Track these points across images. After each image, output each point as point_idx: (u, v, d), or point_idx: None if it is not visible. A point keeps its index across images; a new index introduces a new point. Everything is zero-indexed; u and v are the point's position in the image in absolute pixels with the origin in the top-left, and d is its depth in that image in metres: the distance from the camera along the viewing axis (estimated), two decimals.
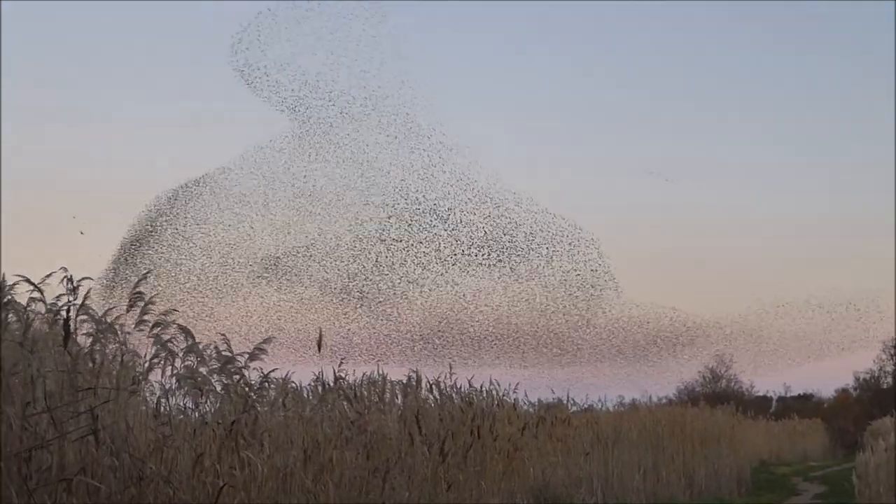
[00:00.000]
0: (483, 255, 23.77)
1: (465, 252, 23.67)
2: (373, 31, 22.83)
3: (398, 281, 23.56)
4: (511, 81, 45.56)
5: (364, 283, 23.35)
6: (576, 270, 25.14)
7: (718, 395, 41.24)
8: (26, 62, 33.72)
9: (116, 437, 6.18)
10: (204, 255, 22.49)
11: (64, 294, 6.57)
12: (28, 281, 6.54)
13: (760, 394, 52.57)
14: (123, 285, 21.29)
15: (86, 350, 6.61)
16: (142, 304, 7.23)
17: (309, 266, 23.00)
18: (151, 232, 22.14)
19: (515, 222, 23.91)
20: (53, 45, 38.24)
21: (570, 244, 24.80)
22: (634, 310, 26.87)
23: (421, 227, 23.42)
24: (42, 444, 5.81)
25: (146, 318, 7.30)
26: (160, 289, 21.77)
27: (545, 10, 45.67)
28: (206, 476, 6.75)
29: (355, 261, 23.24)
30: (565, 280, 25.12)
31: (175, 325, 7.56)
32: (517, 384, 14.43)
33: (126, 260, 21.98)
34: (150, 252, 22.15)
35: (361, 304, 23.33)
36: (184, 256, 22.46)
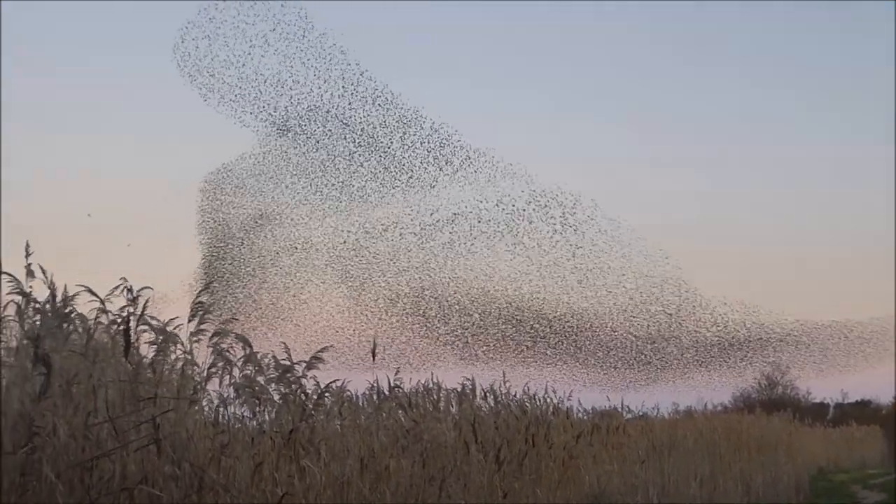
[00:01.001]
0: (555, 259, 23.58)
1: (537, 255, 23.49)
2: (305, 32, 22.58)
3: (467, 289, 23.44)
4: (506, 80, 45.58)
5: (432, 289, 23.27)
6: (653, 283, 24.75)
7: (775, 401, 40.78)
8: (27, 62, 34.16)
9: (177, 445, 6.23)
10: (285, 255, 22.52)
11: (125, 305, 6.66)
12: (90, 291, 6.62)
13: (817, 400, 52.00)
14: (216, 292, 21.48)
15: (147, 360, 6.67)
16: (202, 313, 7.29)
17: (380, 271, 22.94)
18: (247, 231, 22.15)
19: (583, 230, 23.58)
20: (52, 46, 38.72)
21: (645, 257, 24.41)
22: (720, 308, 26.35)
23: (487, 228, 23.27)
24: (104, 454, 5.87)
25: (204, 327, 7.36)
26: (247, 292, 21.91)
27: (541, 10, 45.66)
28: (265, 485, 6.78)
29: (424, 268, 23.15)
30: (641, 294, 24.76)
31: (233, 334, 7.62)
32: (570, 391, 14.44)
33: (213, 266, 22.07)
34: (236, 256, 22.20)
35: (430, 311, 23.25)
36: (265, 259, 22.49)
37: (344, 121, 22.29)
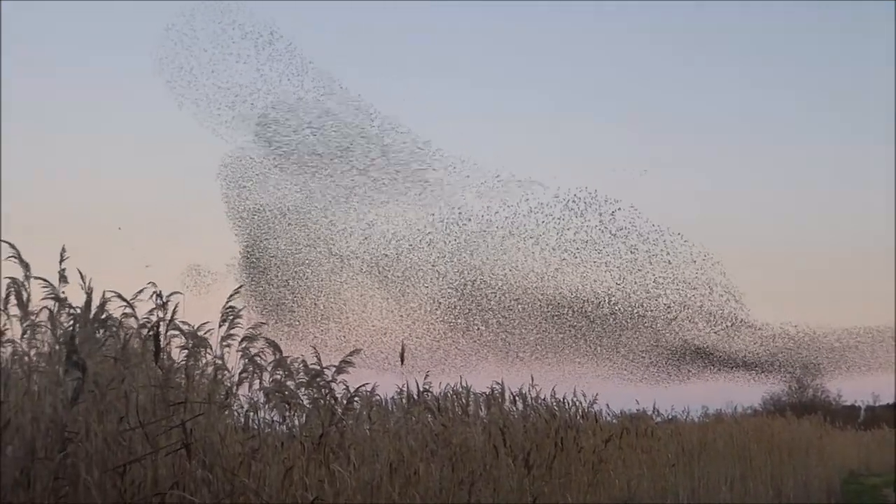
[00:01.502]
0: (593, 264, 23.42)
1: (574, 259, 23.34)
2: (272, 42, 22.42)
3: (507, 288, 23.32)
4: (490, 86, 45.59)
5: (471, 293, 23.18)
6: (698, 291, 24.49)
7: (805, 404, 40.54)
8: (27, 62, 34.26)
9: (209, 450, 6.26)
10: (325, 260, 22.48)
11: (154, 308, 6.71)
12: (120, 297, 6.66)
13: (848, 403, 51.63)
14: (259, 288, 21.60)
15: (177, 364, 6.70)
16: (233, 318, 7.32)
17: (419, 277, 22.87)
18: (285, 223, 22.10)
19: (623, 236, 23.35)
20: (52, 46, 38.84)
21: (687, 262, 24.12)
22: (767, 322, 26.18)
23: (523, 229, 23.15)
24: (136, 459, 5.90)
25: (234, 332, 7.39)
26: (289, 289, 21.91)
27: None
28: (295, 489, 6.80)
29: (461, 272, 23.08)
30: (683, 299, 24.51)
31: (263, 339, 7.65)
32: (596, 395, 14.36)
33: (253, 259, 22.09)
34: (275, 251, 22.18)
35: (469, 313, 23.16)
36: (302, 256, 22.43)
37: (319, 128, 22.24)
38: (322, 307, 22.26)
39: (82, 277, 6.58)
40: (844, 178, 51.49)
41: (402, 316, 22.81)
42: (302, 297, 22.15)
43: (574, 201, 23.00)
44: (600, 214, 23.02)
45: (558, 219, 23.09)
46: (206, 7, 21.69)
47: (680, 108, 50.85)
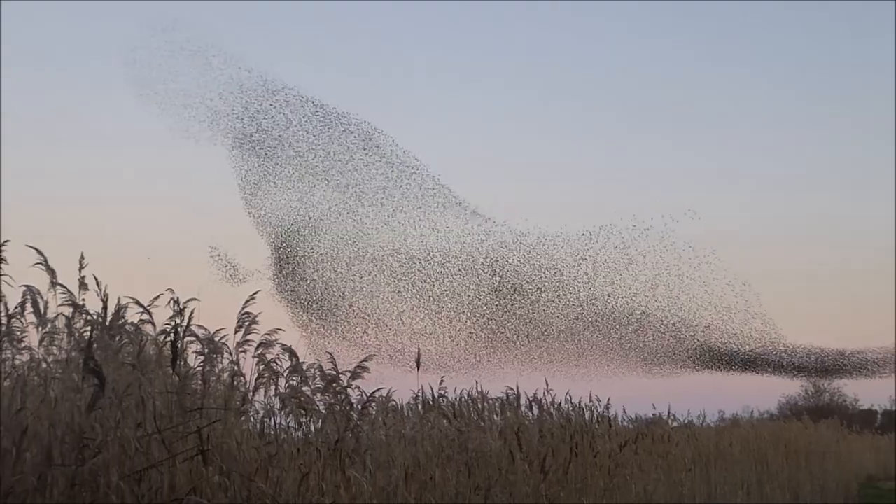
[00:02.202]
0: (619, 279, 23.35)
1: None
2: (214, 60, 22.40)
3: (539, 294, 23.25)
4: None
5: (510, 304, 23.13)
6: (729, 315, 24.36)
7: (822, 409, 40.40)
8: (27, 62, 34.38)
9: (226, 456, 6.27)
10: (359, 261, 22.41)
11: (173, 315, 6.73)
12: (137, 303, 6.69)
13: (865, 407, 51.40)
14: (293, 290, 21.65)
15: (193, 370, 6.72)
16: (248, 323, 7.34)
17: (454, 288, 22.78)
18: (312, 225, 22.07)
19: (655, 254, 23.21)
20: (52, 46, 38.95)
21: (725, 287, 23.93)
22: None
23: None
24: (153, 465, 5.91)
25: (250, 338, 7.41)
26: (332, 292, 21.94)
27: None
28: (311, 495, 6.80)
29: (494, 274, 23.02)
30: (722, 320, 24.39)
31: (279, 345, 7.66)
32: (608, 399, 14.31)
33: (284, 261, 22.08)
34: (307, 254, 22.17)
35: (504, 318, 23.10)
36: (340, 256, 22.37)
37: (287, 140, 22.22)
38: (359, 308, 22.25)
39: (98, 284, 6.60)
40: (844, 178, 51.48)
41: (438, 318, 22.76)
42: (341, 297, 22.15)
43: (605, 232, 22.92)
44: (634, 238, 22.95)
45: (585, 244, 23.02)
46: (153, 24, 21.87)
47: (680, 108, 50.90)
